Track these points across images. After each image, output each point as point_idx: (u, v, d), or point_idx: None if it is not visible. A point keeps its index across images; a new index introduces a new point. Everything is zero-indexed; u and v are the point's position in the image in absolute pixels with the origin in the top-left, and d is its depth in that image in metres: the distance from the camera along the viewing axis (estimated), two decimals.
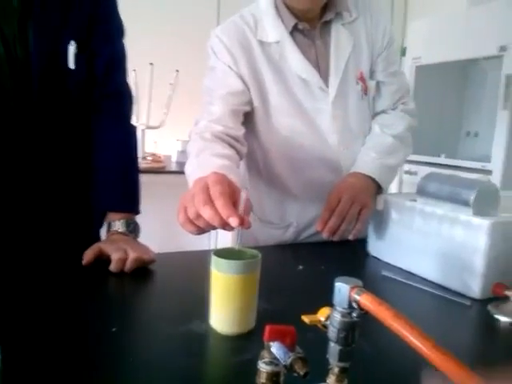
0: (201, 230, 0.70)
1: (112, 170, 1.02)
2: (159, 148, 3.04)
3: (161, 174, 2.69)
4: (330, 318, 0.48)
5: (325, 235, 1.04)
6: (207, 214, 0.64)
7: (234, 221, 0.61)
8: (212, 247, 3.49)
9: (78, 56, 0.97)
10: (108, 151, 1.02)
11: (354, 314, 0.47)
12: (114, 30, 1.06)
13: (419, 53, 3.08)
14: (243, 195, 0.65)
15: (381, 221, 1.01)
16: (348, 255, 1.04)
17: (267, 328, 0.43)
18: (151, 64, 2.57)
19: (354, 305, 0.46)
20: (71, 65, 0.96)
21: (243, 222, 0.62)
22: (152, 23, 2.93)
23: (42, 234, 1.02)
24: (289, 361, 0.43)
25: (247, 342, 0.61)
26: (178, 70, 2.74)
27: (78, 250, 0.90)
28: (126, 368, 0.55)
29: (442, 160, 2.86)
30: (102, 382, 0.52)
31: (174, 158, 3.08)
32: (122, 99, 1.08)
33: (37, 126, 0.96)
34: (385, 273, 0.91)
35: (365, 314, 0.46)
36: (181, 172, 3.06)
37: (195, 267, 0.92)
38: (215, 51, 1.11)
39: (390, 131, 1.18)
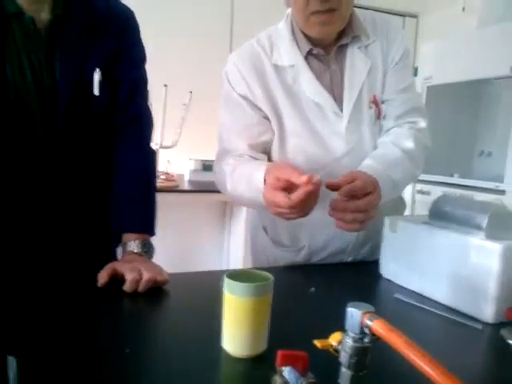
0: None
1: (130, 194, 1.04)
2: (172, 167, 3.08)
3: (174, 193, 2.73)
4: (341, 342, 0.49)
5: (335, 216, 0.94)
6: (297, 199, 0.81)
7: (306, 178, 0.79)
8: (224, 267, 3.50)
9: (102, 83, 1.00)
10: (127, 177, 1.05)
11: (366, 340, 0.48)
12: (137, 56, 1.09)
13: (430, 73, 3.09)
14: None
15: (393, 243, 1.01)
16: (361, 277, 1.04)
17: (279, 353, 0.44)
18: (165, 85, 2.61)
19: (366, 330, 0.47)
20: (96, 91, 0.99)
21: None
22: (165, 45, 3.00)
23: (60, 253, 1.04)
24: None
25: (259, 365, 0.61)
26: (191, 92, 2.79)
27: (95, 270, 0.92)
28: None
29: (455, 180, 2.85)
30: None
31: (186, 177, 3.12)
32: (142, 123, 1.11)
33: (62, 149, 0.99)
34: (397, 295, 0.91)
35: (376, 339, 0.46)
36: (194, 191, 3.09)
37: (209, 288, 0.92)
38: (230, 79, 1.13)
39: (399, 144, 1.09)
